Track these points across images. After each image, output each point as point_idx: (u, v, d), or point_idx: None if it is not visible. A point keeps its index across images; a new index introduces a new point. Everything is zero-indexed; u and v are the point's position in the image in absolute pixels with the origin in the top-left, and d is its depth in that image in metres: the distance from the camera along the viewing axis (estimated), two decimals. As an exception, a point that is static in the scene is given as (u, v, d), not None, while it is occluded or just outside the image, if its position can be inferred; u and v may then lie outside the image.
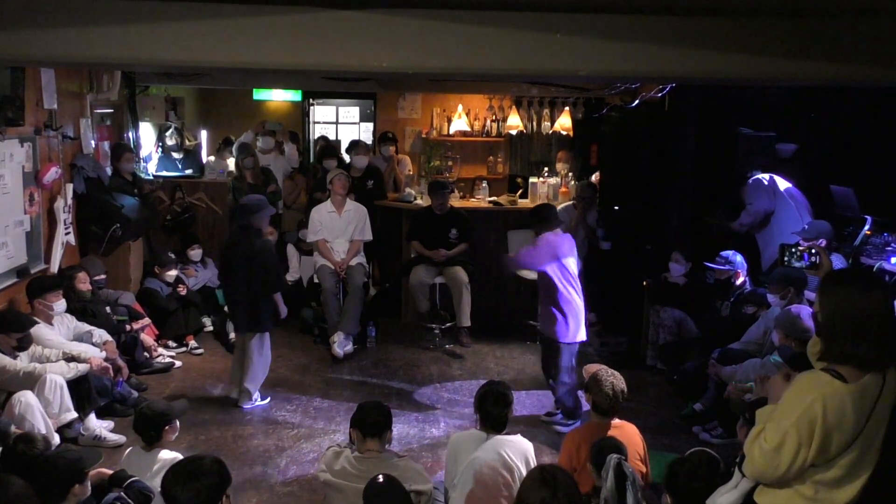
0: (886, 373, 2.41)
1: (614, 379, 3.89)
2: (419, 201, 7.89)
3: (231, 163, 9.12)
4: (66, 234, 6.36)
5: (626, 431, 3.82)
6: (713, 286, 6.25)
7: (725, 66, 3.54)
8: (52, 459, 3.41)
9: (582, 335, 5.38)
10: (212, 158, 9.74)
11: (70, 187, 6.48)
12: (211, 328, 7.34)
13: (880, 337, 2.37)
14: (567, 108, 9.55)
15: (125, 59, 3.65)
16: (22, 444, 3.59)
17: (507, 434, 3.73)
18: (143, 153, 8.55)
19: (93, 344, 5.45)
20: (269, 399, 5.85)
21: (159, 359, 6.45)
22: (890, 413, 2.45)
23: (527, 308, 7.23)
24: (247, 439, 5.22)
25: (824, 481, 2.41)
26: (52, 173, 6.07)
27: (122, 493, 3.54)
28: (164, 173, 8.54)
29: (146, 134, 8.96)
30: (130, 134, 8.16)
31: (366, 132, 11.57)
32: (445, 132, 9.99)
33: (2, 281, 5.49)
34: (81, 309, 5.79)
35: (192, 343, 6.95)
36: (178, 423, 3.98)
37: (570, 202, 7.58)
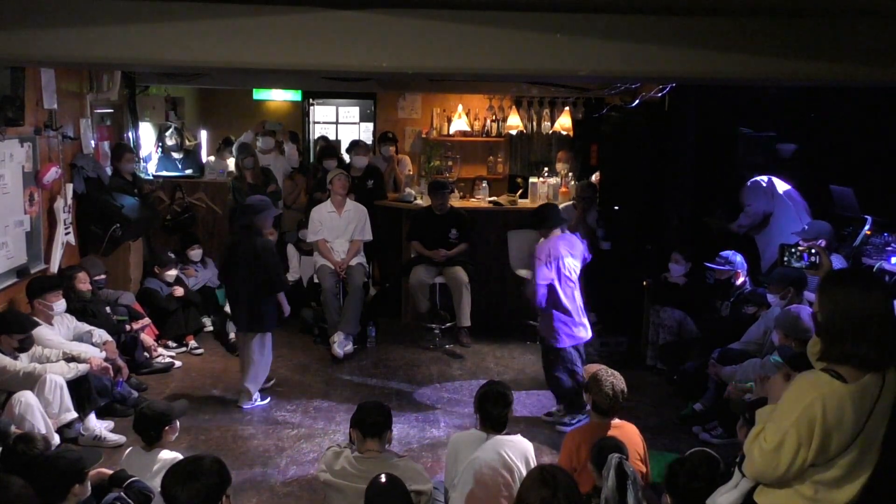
0: (886, 373, 2.41)
1: (614, 379, 3.89)
2: (419, 201, 7.89)
3: (231, 163, 9.12)
4: (66, 234, 6.36)
5: (626, 431, 3.83)
6: (713, 286, 6.25)
7: (725, 66, 3.54)
8: (52, 459, 3.41)
9: (582, 335, 5.38)
10: (212, 158, 9.74)
11: (70, 187, 6.48)
12: (211, 328, 7.35)
13: (880, 337, 2.37)
14: (567, 108, 9.55)
15: (125, 59, 3.65)
16: (22, 444, 3.59)
17: (507, 434, 3.73)
18: (143, 153, 8.55)
19: (93, 344, 5.45)
20: (269, 399, 5.85)
21: (159, 359, 6.46)
22: (889, 413, 2.45)
23: (527, 308, 7.22)
24: (247, 439, 5.22)
25: (824, 481, 2.41)
26: (52, 173, 6.07)
27: (122, 493, 3.54)
28: (164, 173, 8.54)
29: (146, 134, 8.96)
30: (130, 134, 8.16)
31: (366, 132, 11.57)
32: (445, 132, 9.99)
33: (2, 281, 5.49)
34: (81, 309, 5.79)
35: (192, 343, 6.96)
36: (178, 423, 3.98)
37: (570, 202, 7.57)
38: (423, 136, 9.94)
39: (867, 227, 5.45)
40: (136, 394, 5.66)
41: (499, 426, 3.72)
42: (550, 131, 9.79)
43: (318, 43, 3.46)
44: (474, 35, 3.45)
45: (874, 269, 5.06)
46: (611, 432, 3.76)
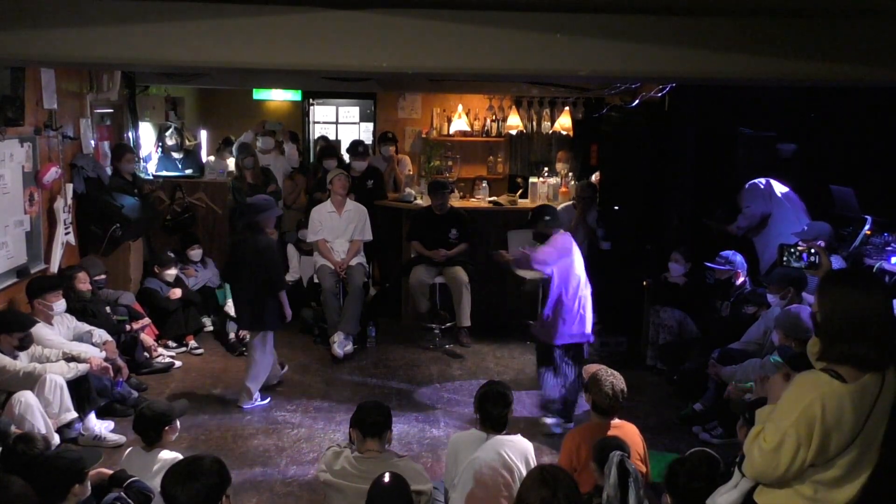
0: (885, 373, 2.41)
1: (614, 379, 3.88)
2: (419, 201, 7.89)
3: (231, 163, 9.12)
4: (66, 234, 6.36)
5: (626, 431, 3.82)
6: (713, 286, 6.25)
7: (725, 66, 3.53)
8: (52, 459, 3.41)
9: (581, 335, 5.37)
10: (212, 158, 9.73)
11: (70, 187, 6.48)
12: (211, 328, 7.35)
13: (879, 337, 2.37)
14: (567, 108, 9.55)
15: (125, 59, 3.65)
16: (22, 444, 3.59)
17: (507, 434, 3.73)
18: (143, 153, 8.54)
19: (93, 344, 5.46)
20: (269, 399, 5.85)
21: (159, 359, 6.46)
22: (889, 413, 2.45)
23: (527, 308, 7.24)
24: (247, 439, 5.22)
25: (824, 481, 2.42)
26: (52, 173, 6.07)
27: (122, 493, 3.54)
28: (164, 173, 8.53)
29: (146, 134, 8.96)
30: (130, 134, 8.16)
31: (366, 132, 11.57)
32: (445, 132, 9.99)
33: (2, 281, 5.49)
34: (81, 309, 5.79)
35: (192, 343, 6.96)
36: (178, 423, 3.99)
37: (570, 202, 7.58)
38: (423, 136, 9.94)
39: (867, 227, 5.45)
40: (136, 394, 5.66)
41: (499, 426, 3.72)
42: (550, 131, 9.79)
43: (318, 43, 3.46)
44: (474, 35, 3.44)
45: (874, 269, 5.06)
46: (611, 432, 3.76)
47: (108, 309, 6.09)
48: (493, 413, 3.70)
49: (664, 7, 3.45)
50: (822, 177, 6.42)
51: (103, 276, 6.38)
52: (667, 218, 7.02)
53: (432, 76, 6.85)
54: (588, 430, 3.91)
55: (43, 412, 4.56)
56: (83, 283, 5.94)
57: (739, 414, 3.79)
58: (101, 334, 5.59)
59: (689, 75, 3.76)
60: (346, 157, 8.56)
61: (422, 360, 6.92)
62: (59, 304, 5.41)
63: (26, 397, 4.50)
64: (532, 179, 8.54)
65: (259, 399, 5.79)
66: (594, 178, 7.97)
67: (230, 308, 7.08)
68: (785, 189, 6.28)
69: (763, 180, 6.33)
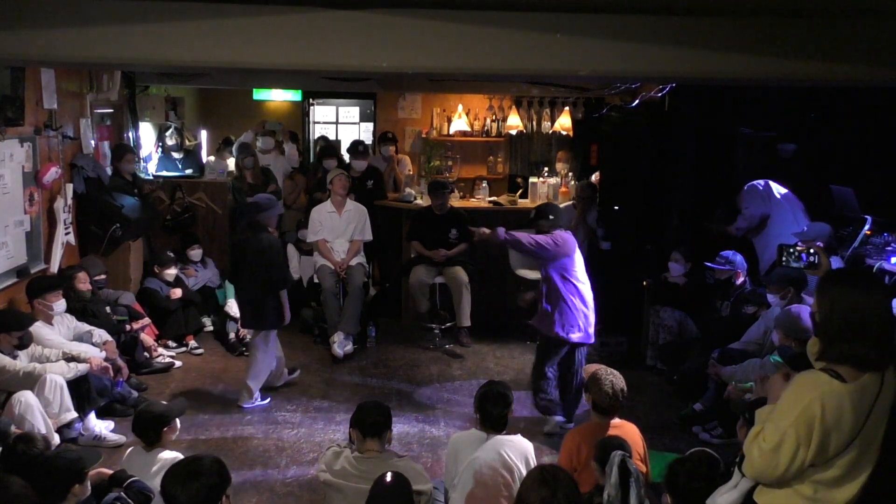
0: (885, 372, 2.41)
1: (614, 378, 3.88)
2: (419, 201, 7.88)
3: (231, 163, 9.12)
4: (66, 234, 6.36)
5: (626, 431, 3.82)
6: (713, 286, 6.26)
7: (725, 66, 3.53)
8: (52, 459, 3.41)
9: (579, 335, 5.36)
10: (212, 158, 9.73)
11: (70, 187, 6.48)
12: (211, 328, 7.35)
13: (878, 336, 2.37)
14: (567, 108, 9.55)
15: (125, 59, 3.65)
16: (22, 444, 3.59)
17: (507, 434, 3.73)
18: (143, 153, 8.54)
19: (93, 344, 5.46)
20: (269, 399, 5.85)
21: (159, 359, 6.46)
22: (889, 412, 2.45)
23: (527, 308, 7.22)
24: (247, 439, 5.22)
25: (823, 481, 2.42)
26: (52, 173, 6.07)
27: (122, 493, 3.54)
28: (164, 173, 8.53)
29: (146, 134, 8.96)
30: (130, 134, 8.16)
31: (366, 132, 11.56)
32: (445, 132, 9.99)
33: (2, 281, 5.49)
34: (81, 309, 5.79)
35: (192, 343, 6.96)
36: (177, 422, 3.98)
37: (570, 202, 7.58)
38: (423, 136, 9.94)
39: (867, 227, 5.45)
40: (136, 394, 5.66)
41: (499, 426, 3.72)
42: (550, 131, 9.79)
43: (318, 43, 3.46)
44: (474, 35, 3.44)
45: (874, 269, 5.06)
46: (611, 432, 3.76)
47: (108, 309, 6.09)
48: (493, 413, 3.70)
49: (664, 7, 3.45)
50: (822, 177, 6.42)
51: (103, 276, 6.38)
52: (667, 218, 7.02)
53: (432, 76, 6.85)
54: (588, 429, 3.92)
55: (43, 412, 4.56)
56: (83, 283, 5.94)
57: (739, 414, 3.79)
58: (101, 334, 5.59)
59: (689, 75, 3.76)
60: (346, 157, 8.56)
61: (422, 360, 6.92)
62: (59, 304, 5.40)
63: (26, 397, 4.51)
64: (532, 179, 8.54)
65: (259, 399, 5.79)
66: (594, 178, 7.97)
67: (230, 308, 7.09)
68: (784, 190, 6.29)
69: (762, 182, 6.34)
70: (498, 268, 7.53)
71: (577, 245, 5.36)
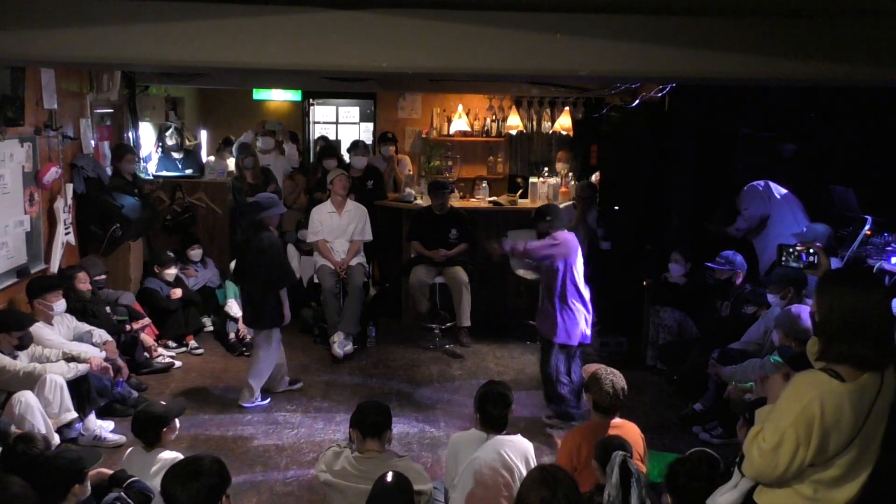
0: (884, 372, 2.41)
1: (614, 377, 3.88)
2: (419, 201, 7.89)
3: (231, 163, 9.12)
4: (66, 234, 6.36)
5: (626, 430, 3.82)
6: (713, 286, 6.26)
7: (725, 66, 3.54)
8: (52, 459, 3.41)
9: (581, 336, 5.37)
10: (212, 158, 9.74)
11: (70, 187, 6.48)
12: (211, 328, 7.35)
13: (878, 336, 2.37)
14: (567, 108, 9.55)
15: (125, 59, 3.65)
16: (22, 444, 3.59)
17: (507, 434, 3.73)
18: (143, 153, 8.55)
19: (93, 344, 5.46)
20: (269, 399, 5.85)
21: (159, 359, 6.46)
22: (888, 412, 2.45)
23: (527, 308, 7.23)
24: (247, 439, 5.22)
25: (823, 481, 2.42)
26: (52, 173, 6.07)
27: (122, 493, 3.54)
28: (164, 173, 8.53)
29: (146, 134, 8.96)
30: (130, 134, 8.16)
31: (366, 132, 11.57)
32: (445, 132, 9.99)
33: (2, 281, 5.49)
34: (81, 309, 5.79)
35: (192, 343, 6.96)
36: (177, 422, 3.98)
37: (570, 202, 7.58)
38: (423, 136, 9.94)
39: (867, 227, 5.45)
40: (136, 394, 5.66)
41: (499, 426, 3.72)
42: (550, 131, 9.78)
43: (318, 43, 3.46)
44: (474, 35, 3.45)
45: (874, 269, 5.06)
46: (611, 431, 3.76)
47: (108, 309, 6.09)
48: (493, 413, 3.70)
49: (664, 7, 3.45)
50: (822, 177, 6.42)
51: (103, 276, 6.38)
52: (667, 218, 7.02)
53: (432, 76, 6.84)
54: (588, 429, 3.91)
55: (43, 412, 4.56)
56: (83, 283, 5.94)
57: (739, 414, 3.79)
58: (101, 334, 5.60)
59: (689, 75, 3.76)
60: (346, 157, 8.56)
61: (422, 360, 6.92)
62: (59, 304, 5.41)
63: (26, 397, 4.51)
64: (532, 179, 8.54)
65: (260, 398, 5.79)
66: (594, 178, 7.97)
67: (230, 308, 7.10)
68: (783, 191, 6.29)
69: (762, 182, 6.34)
70: (498, 268, 7.52)
71: (578, 245, 5.37)
